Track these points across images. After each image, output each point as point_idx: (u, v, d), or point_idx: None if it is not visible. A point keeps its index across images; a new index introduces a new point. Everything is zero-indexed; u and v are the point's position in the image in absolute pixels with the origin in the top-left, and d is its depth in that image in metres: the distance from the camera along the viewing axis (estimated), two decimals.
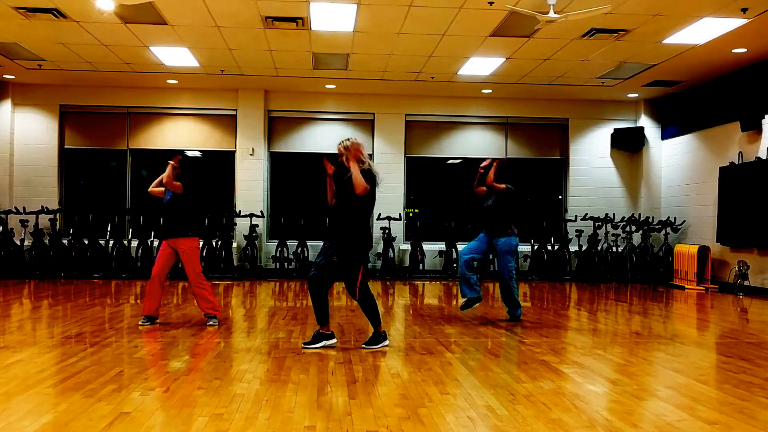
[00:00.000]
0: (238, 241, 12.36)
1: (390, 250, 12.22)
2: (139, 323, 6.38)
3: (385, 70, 10.87)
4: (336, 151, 5.24)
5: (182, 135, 12.80)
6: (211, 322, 6.43)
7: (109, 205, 12.52)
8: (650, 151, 13.05)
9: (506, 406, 3.66)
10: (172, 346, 5.46)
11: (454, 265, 12.41)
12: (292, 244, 12.29)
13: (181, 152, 12.41)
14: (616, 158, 13.26)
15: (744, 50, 9.43)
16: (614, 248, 12.32)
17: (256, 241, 12.09)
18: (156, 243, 11.84)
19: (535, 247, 12.45)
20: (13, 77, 11.71)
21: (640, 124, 13.12)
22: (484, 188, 6.91)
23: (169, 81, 11.93)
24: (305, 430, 3.21)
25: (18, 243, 11.63)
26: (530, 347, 5.52)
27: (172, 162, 6.39)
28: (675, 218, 12.18)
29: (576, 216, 12.63)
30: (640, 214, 13.03)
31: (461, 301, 7.07)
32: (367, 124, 12.99)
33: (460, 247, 12.49)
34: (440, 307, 8.34)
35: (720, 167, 10.97)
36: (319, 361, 4.82)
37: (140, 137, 12.72)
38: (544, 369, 4.66)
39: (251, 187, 12.55)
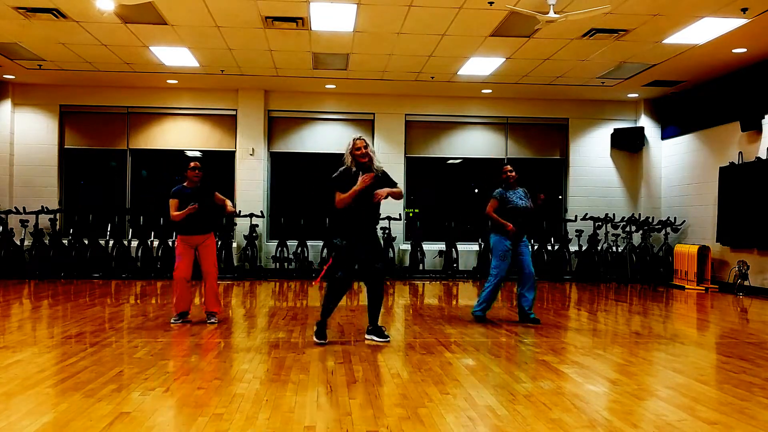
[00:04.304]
0: (238, 241, 12.36)
1: (390, 250, 12.22)
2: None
3: (385, 70, 10.86)
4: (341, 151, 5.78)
5: (182, 135, 12.80)
6: (212, 320, 6.59)
7: (109, 205, 12.52)
8: (650, 151, 13.05)
9: (506, 406, 3.66)
10: (172, 346, 5.46)
11: (455, 265, 12.43)
12: (292, 244, 12.30)
13: (182, 153, 12.42)
14: (616, 158, 13.26)
15: (744, 50, 9.43)
16: (614, 248, 12.32)
17: (256, 241, 12.08)
18: (156, 243, 11.85)
19: (535, 247, 12.45)
20: (13, 77, 11.71)
21: (640, 124, 13.12)
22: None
23: (169, 81, 11.93)
24: (305, 430, 3.21)
25: (18, 243, 11.63)
26: (530, 347, 5.52)
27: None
28: (675, 218, 12.18)
29: (576, 216, 12.63)
30: (640, 214, 13.03)
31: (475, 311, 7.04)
32: (367, 124, 12.99)
33: (461, 247, 12.75)
34: (440, 307, 8.34)
35: (720, 167, 10.97)
36: (319, 361, 4.83)
37: (140, 137, 12.71)
38: (544, 369, 4.66)
39: (251, 187, 12.55)
